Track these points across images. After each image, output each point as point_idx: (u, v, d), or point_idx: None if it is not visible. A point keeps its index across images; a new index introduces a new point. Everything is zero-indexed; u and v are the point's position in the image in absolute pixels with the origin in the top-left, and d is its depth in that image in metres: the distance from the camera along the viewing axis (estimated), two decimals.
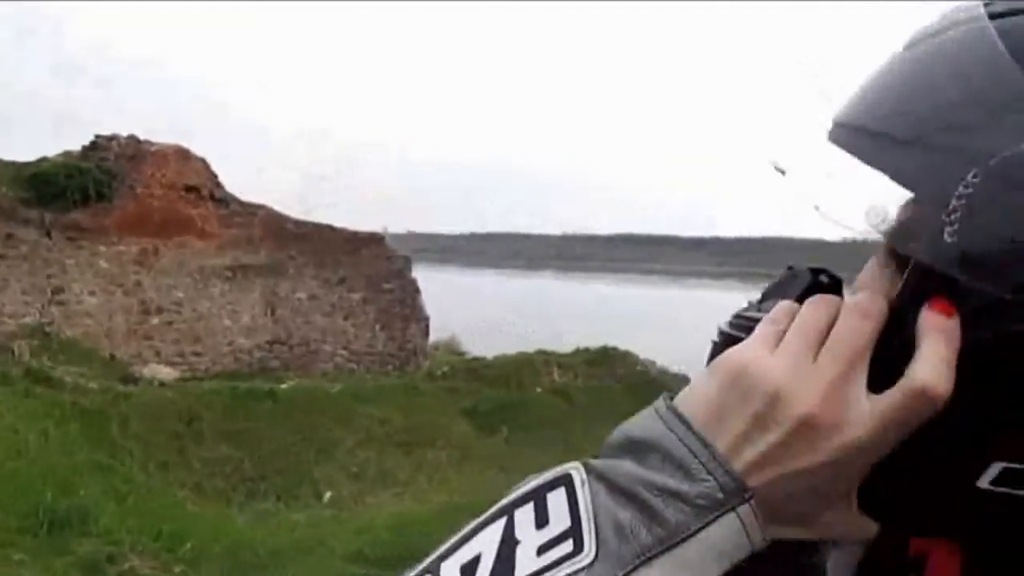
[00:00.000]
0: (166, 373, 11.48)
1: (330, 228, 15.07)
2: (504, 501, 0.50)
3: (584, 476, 0.46)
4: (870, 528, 0.50)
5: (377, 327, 15.19)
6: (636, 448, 0.47)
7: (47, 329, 12.19)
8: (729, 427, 0.46)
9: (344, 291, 15.01)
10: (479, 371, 13.05)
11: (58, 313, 12.43)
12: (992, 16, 0.47)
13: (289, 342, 14.72)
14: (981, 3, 0.49)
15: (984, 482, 0.45)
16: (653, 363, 14.71)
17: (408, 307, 15.35)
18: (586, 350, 14.86)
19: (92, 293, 12.81)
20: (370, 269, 15.15)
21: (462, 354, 17.76)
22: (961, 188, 0.43)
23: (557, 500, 0.46)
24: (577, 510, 0.45)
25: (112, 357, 12.68)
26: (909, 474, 0.47)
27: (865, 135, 0.50)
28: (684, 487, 0.44)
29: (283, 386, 10.79)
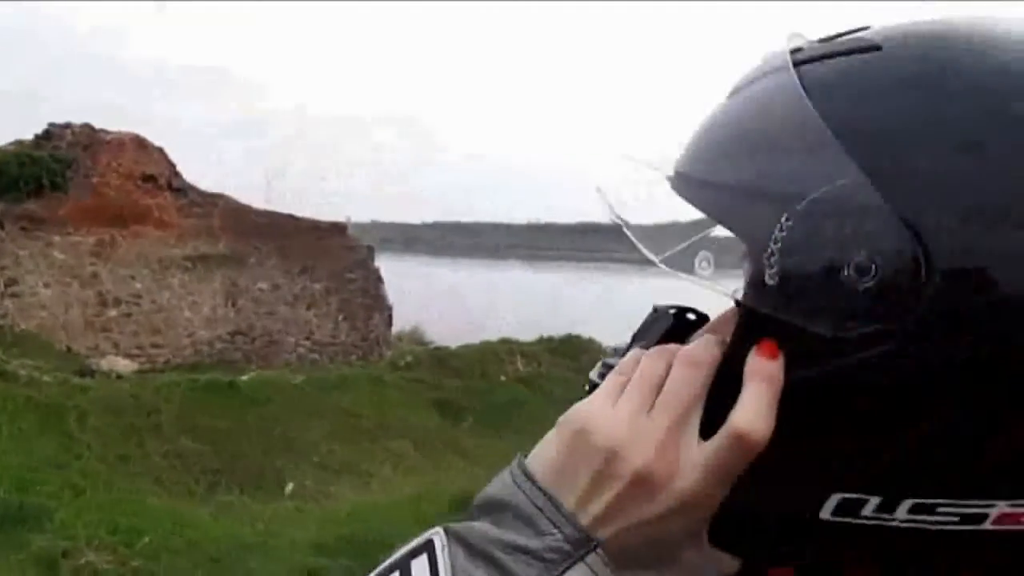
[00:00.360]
0: (124, 366, 11.30)
1: (292, 217, 14.94)
2: (372, 573, 0.52)
3: (444, 541, 0.48)
4: (728, 562, 0.52)
5: (340, 317, 15.10)
6: (492, 508, 0.49)
7: (0, 322, 11.94)
8: (575, 483, 0.48)
9: (307, 281, 14.90)
10: (443, 361, 13.03)
11: (12, 305, 12.18)
12: (797, 63, 0.50)
13: (251, 333, 14.58)
14: (789, 50, 0.52)
15: (826, 513, 0.46)
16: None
17: (371, 297, 15.28)
18: (550, 339, 14.90)
19: (47, 285, 12.57)
20: (333, 259, 15.05)
21: (426, 344, 17.73)
22: (776, 232, 0.45)
23: (420, 567, 0.48)
24: None
25: (69, 350, 12.46)
26: (756, 509, 0.49)
27: (694, 184, 0.52)
28: (533, 543, 0.46)
29: (244, 377, 10.67)
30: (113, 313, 13.23)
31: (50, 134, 12.83)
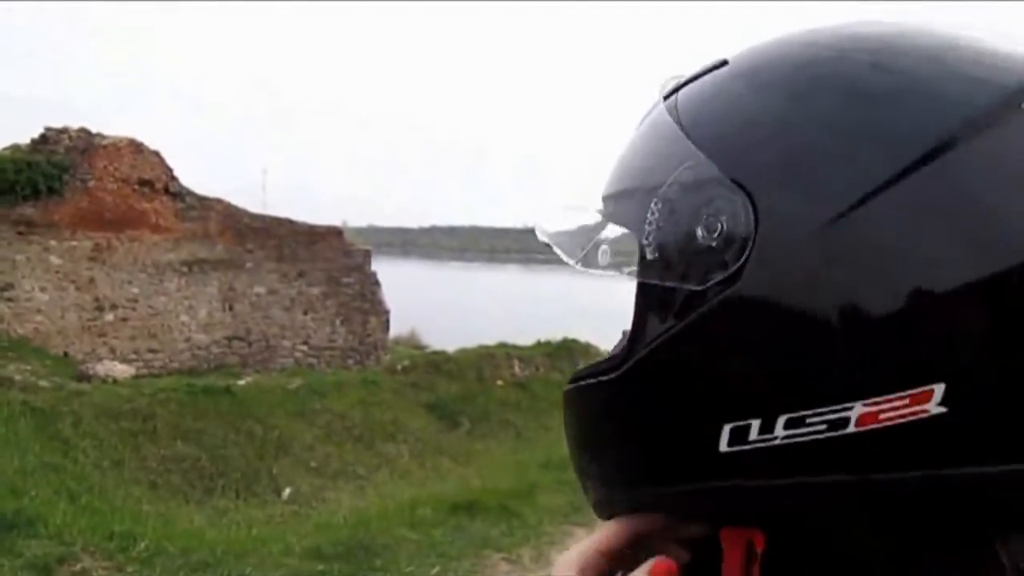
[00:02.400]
0: (121, 371, 11.26)
1: (289, 222, 14.91)
2: None
3: None
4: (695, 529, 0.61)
5: (337, 321, 15.08)
6: None
7: None
8: None
9: (303, 285, 14.87)
10: (440, 365, 13.01)
11: (8, 310, 12.15)
12: (677, 88, 0.63)
13: (248, 338, 14.55)
14: (669, 82, 0.65)
15: (723, 445, 0.53)
16: None
17: (368, 301, 15.25)
18: (547, 343, 14.90)
19: (43, 289, 12.54)
20: (329, 263, 15.03)
21: (423, 348, 17.71)
22: (649, 216, 0.57)
23: None
24: None
25: (65, 354, 12.44)
26: (668, 450, 0.57)
27: (606, 200, 0.64)
28: None
29: (240, 382, 10.66)
30: (110, 318, 13.21)
31: (46, 138, 12.79)
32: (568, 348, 14.71)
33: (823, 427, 0.49)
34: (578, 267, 0.63)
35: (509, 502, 7.11)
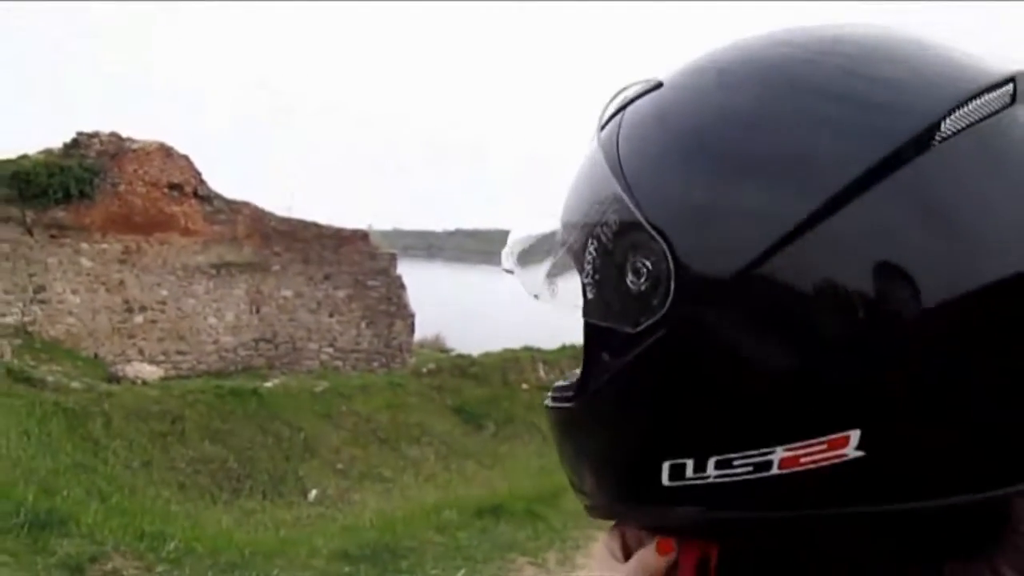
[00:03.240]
0: (150, 372, 11.40)
1: (315, 225, 15.01)
2: None
3: None
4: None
5: (363, 324, 15.15)
6: None
7: (29, 328, 12.09)
8: None
9: (329, 288, 14.96)
10: (465, 368, 13.03)
11: (40, 312, 12.33)
12: (619, 109, 0.61)
13: (274, 340, 14.66)
14: (613, 104, 0.62)
15: (665, 479, 0.55)
16: None
17: (394, 304, 15.31)
18: (572, 347, 14.82)
19: (75, 292, 12.72)
20: (355, 266, 15.10)
21: (448, 351, 17.72)
22: (587, 255, 0.57)
23: None
24: None
25: (95, 356, 12.60)
26: (620, 478, 0.59)
27: (561, 227, 0.63)
28: None
29: (268, 384, 10.74)
30: (139, 320, 13.36)
31: (78, 143, 12.98)
32: None
33: (749, 469, 0.51)
34: (537, 300, 0.65)
35: (534, 506, 7.10)
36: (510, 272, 0.67)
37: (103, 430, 8.20)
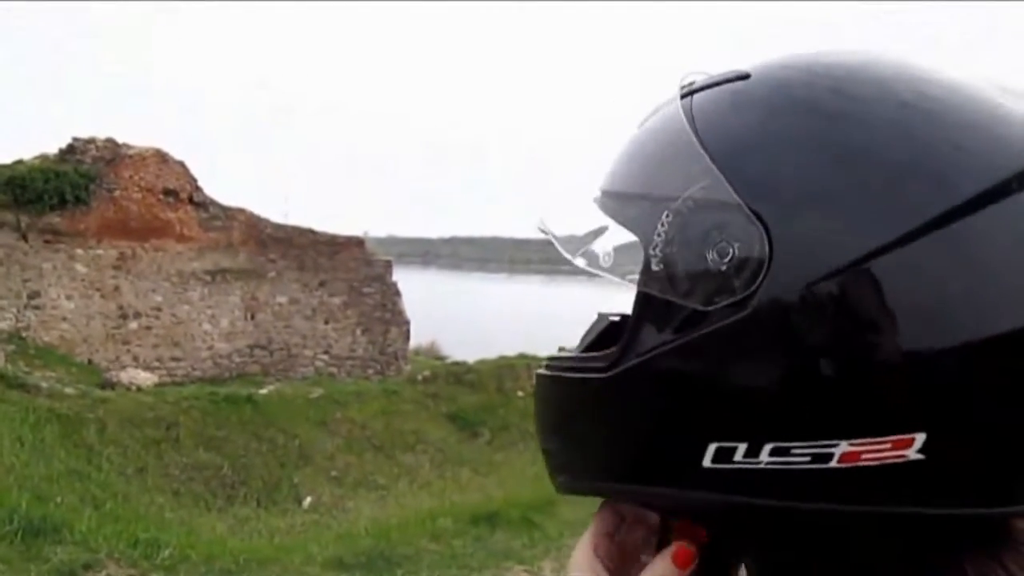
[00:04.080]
0: (144, 378, 11.36)
1: (311, 231, 15.01)
2: None
3: None
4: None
5: (358, 331, 15.14)
6: None
7: (23, 334, 12.06)
8: None
9: (325, 295, 14.95)
10: (460, 375, 13.02)
11: (34, 318, 12.30)
12: (688, 94, 0.61)
13: (269, 347, 14.64)
14: (680, 86, 0.63)
15: (707, 461, 0.54)
16: None
17: (389, 311, 15.30)
18: None
19: (69, 297, 12.69)
20: (351, 273, 15.10)
21: (443, 358, 17.72)
22: (659, 227, 0.56)
23: None
24: None
25: (89, 362, 12.56)
26: (651, 457, 0.58)
27: (610, 197, 0.64)
28: None
29: (262, 391, 10.72)
30: (134, 326, 13.34)
31: (74, 148, 12.98)
32: None
33: (807, 459, 0.52)
34: (580, 264, 0.64)
35: (530, 514, 7.10)
36: (545, 234, 0.66)
37: (97, 436, 8.17)
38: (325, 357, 14.95)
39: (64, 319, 12.61)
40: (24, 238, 12.24)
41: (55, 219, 12.44)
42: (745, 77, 0.60)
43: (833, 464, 0.51)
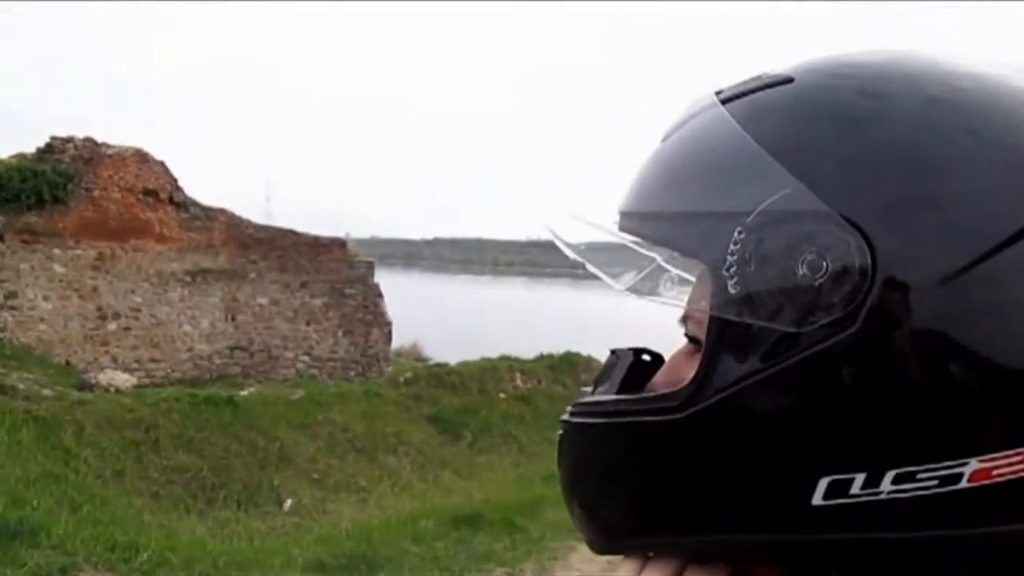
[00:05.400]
0: (123, 380, 11.26)
1: (292, 232, 14.95)
2: None
3: None
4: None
5: (339, 333, 15.09)
6: None
7: (0, 335, 11.93)
8: None
9: (306, 296, 14.89)
10: (442, 377, 13.00)
11: (11, 318, 12.17)
12: (723, 102, 0.57)
13: (250, 348, 14.56)
14: (712, 93, 0.59)
15: (817, 499, 0.50)
16: None
17: (371, 313, 15.26)
18: (549, 356, 14.88)
19: (47, 298, 12.57)
20: (332, 274, 15.05)
21: (425, 360, 17.70)
22: (732, 245, 0.51)
23: None
24: None
25: (67, 363, 12.44)
26: (752, 499, 0.52)
27: (644, 218, 0.58)
28: None
29: (243, 393, 10.65)
30: (112, 327, 13.22)
31: (52, 147, 12.85)
32: (570, 361, 14.70)
33: (934, 483, 0.48)
34: (626, 293, 0.59)
35: (512, 516, 7.09)
36: (580, 261, 0.60)
37: (75, 439, 8.09)
38: (306, 359, 14.89)
39: (42, 320, 12.49)
40: (1, 238, 12.11)
41: (33, 219, 12.31)
42: (787, 81, 0.56)
43: (963, 485, 0.47)
